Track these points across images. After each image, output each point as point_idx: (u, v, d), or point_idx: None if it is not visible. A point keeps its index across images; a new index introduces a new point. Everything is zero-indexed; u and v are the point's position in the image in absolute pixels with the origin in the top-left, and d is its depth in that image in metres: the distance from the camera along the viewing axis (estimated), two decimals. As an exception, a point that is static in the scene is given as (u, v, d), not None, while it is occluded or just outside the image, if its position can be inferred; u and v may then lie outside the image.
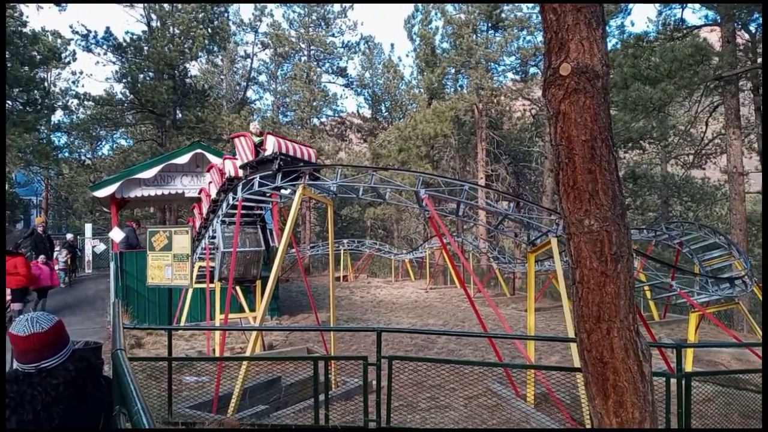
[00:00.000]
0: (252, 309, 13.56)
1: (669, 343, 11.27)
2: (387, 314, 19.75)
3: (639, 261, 14.41)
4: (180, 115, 31.77)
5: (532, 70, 33.49)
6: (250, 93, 45.53)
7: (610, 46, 21.76)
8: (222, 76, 44.33)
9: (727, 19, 19.80)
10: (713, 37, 23.00)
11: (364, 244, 35.72)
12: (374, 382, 6.00)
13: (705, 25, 21.34)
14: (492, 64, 32.23)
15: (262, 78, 45.48)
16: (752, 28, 21.74)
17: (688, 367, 8.80)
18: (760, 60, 21.10)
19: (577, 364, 7.51)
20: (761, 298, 12.55)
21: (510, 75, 35.39)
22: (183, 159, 16.84)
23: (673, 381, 5.44)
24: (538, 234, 10.17)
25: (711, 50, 20.15)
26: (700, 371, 7.99)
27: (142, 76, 28.89)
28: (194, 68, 41.20)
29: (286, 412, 7.94)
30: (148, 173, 16.50)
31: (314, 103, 40.61)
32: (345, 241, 34.74)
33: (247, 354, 9.20)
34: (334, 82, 44.57)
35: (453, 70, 33.34)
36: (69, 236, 20.49)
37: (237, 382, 8.51)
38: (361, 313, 19.73)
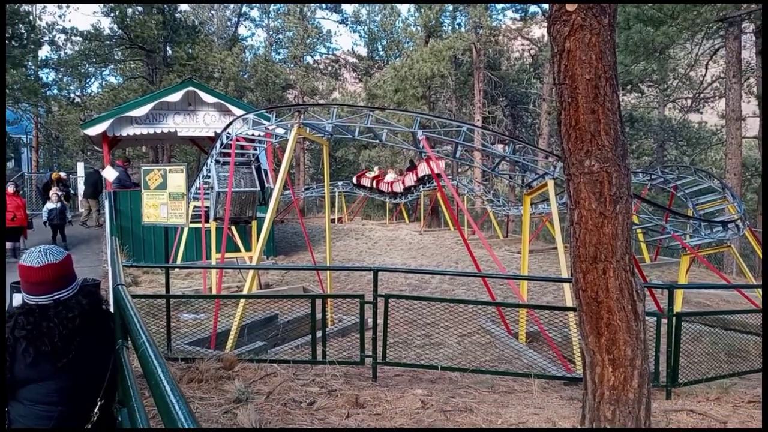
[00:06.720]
0: (248, 249, 13.64)
1: (661, 284, 11.49)
2: (381, 256, 19.94)
3: (633, 204, 14.47)
4: (170, 52, 30.89)
5: (532, 8, 32.57)
6: (241, 29, 44.19)
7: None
8: (212, 11, 42.82)
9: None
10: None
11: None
12: (370, 320, 6.11)
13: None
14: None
15: (254, 13, 44.13)
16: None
17: (678, 307, 9.00)
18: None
19: (569, 304, 7.66)
20: (755, 241, 12.69)
21: (509, 14, 34.59)
22: (175, 97, 16.52)
23: (664, 321, 5.56)
24: (534, 176, 10.16)
25: (717, -11, 19.58)
26: (690, 311, 8.18)
27: (130, 10, 27.87)
28: (184, 2, 39.88)
29: (283, 348, 8.10)
30: (140, 111, 16.19)
31: (308, 41, 39.55)
32: (339, 183, 34.62)
33: (245, 292, 9.32)
34: (328, 18, 43.43)
35: (451, 8, 32.41)
36: (63, 174, 20.31)
37: (234, 320, 8.66)
38: (356, 255, 19.91)
